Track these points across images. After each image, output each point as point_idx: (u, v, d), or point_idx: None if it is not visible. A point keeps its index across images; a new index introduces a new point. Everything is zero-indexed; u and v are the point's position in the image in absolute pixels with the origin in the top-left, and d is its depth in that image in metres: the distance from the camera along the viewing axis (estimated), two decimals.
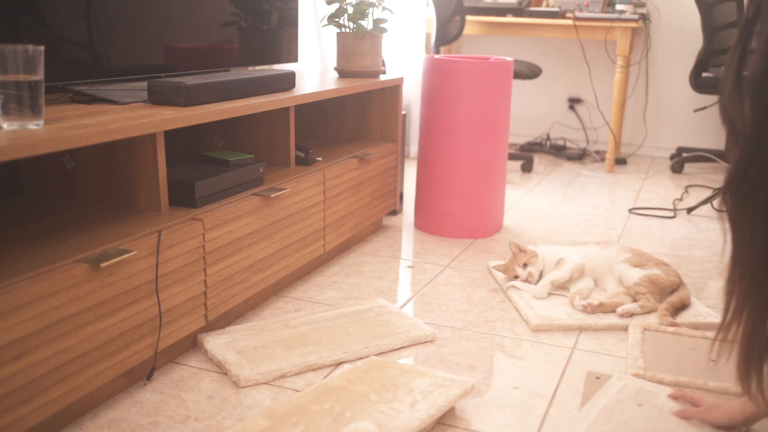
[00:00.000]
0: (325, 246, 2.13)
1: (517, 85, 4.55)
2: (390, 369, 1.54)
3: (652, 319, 1.87)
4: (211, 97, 1.69)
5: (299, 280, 2.14)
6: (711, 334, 1.79)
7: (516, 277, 2.10)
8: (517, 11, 3.93)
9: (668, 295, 1.97)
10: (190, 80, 1.65)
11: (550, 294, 2.03)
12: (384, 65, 2.79)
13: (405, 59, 3.82)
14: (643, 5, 4.02)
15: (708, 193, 3.30)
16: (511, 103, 3.26)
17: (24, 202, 1.63)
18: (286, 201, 1.89)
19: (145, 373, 1.55)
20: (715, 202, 3.15)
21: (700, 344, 1.73)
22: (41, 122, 1.26)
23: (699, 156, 3.94)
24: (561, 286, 2.06)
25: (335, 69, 2.54)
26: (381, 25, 2.47)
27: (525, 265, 2.08)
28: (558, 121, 4.53)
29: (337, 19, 2.46)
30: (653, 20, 4.17)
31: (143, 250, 1.40)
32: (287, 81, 2.00)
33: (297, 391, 1.51)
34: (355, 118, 2.65)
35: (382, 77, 2.53)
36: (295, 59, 2.48)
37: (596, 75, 4.38)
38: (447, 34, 3.67)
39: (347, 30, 2.47)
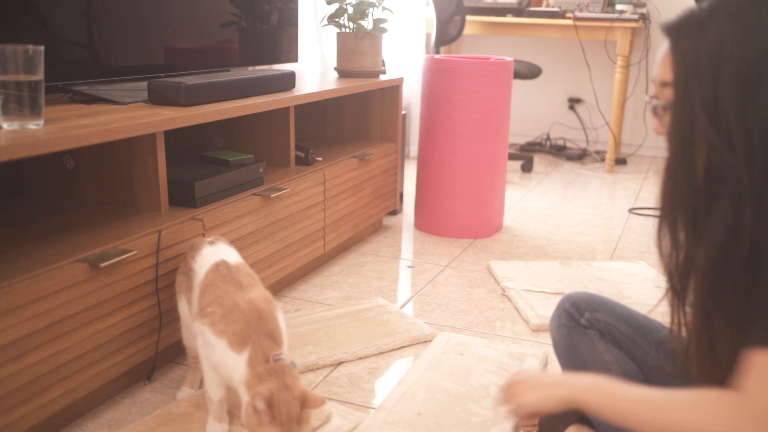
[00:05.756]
0: (325, 246, 2.13)
1: (517, 85, 4.55)
2: None
3: None
4: (211, 97, 1.69)
5: (299, 280, 2.14)
6: None
7: None
8: (517, 11, 3.93)
9: None
10: (190, 80, 1.65)
11: None
12: (384, 65, 2.79)
13: (405, 59, 3.82)
14: (643, 5, 4.02)
15: None
16: (511, 103, 3.26)
17: (24, 202, 1.63)
18: (286, 201, 1.89)
19: (145, 373, 1.55)
20: None
21: None
22: (41, 122, 1.26)
23: None
24: None
25: (335, 69, 2.54)
26: (381, 25, 2.47)
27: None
28: (558, 121, 4.53)
29: (337, 19, 2.46)
30: (653, 20, 4.17)
31: (143, 250, 1.40)
32: (287, 81, 2.00)
33: None
34: (355, 118, 2.65)
35: (382, 77, 2.53)
36: (295, 59, 2.48)
37: (596, 75, 4.38)
38: (447, 34, 3.67)
39: (347, 30, 2.47)
